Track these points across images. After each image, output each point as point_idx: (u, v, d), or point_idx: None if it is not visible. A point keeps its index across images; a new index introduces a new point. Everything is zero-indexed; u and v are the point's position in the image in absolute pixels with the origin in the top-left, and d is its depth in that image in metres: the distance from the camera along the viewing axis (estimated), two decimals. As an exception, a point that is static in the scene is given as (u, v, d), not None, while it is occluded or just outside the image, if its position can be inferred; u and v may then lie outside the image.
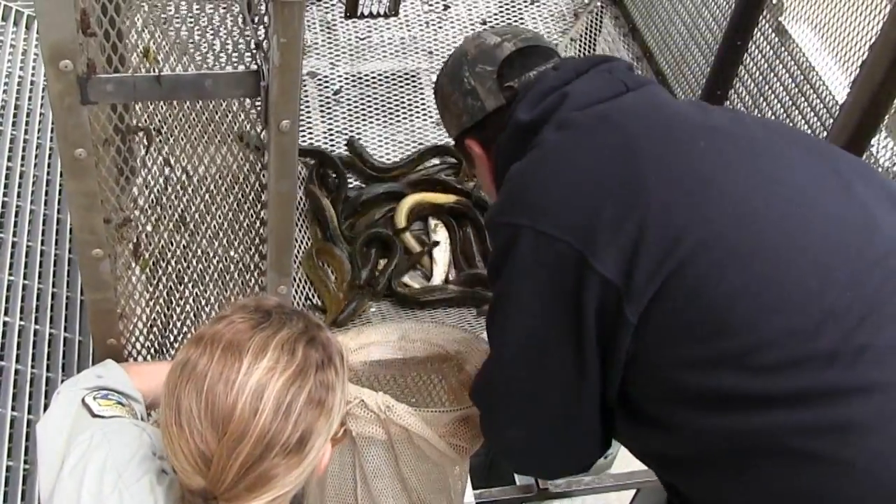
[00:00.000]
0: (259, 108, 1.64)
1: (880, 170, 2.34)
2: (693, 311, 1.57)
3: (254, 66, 1.57)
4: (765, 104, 2.82)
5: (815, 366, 1.52)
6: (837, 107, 2.48)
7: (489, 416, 1.97)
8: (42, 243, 2.65)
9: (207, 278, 1.99)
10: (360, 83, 3.38)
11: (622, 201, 1.62)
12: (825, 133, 2.52)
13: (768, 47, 2.80)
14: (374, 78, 3.41)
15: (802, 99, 2.66)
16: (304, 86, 3.32)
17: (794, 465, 1.54)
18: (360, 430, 2.05)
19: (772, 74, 2.78)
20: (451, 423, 2.08)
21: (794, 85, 2.69)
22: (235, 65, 1.58)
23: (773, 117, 2.76)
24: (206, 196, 1.84)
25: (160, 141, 1.76)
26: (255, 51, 1.56)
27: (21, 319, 2.44)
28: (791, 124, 2.67)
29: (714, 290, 1.55)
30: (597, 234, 1.60)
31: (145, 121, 1.75)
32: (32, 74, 3.09)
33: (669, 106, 1.82)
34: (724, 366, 1.56)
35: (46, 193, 2.79)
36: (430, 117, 3.30)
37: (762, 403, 1.54)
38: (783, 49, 2.74)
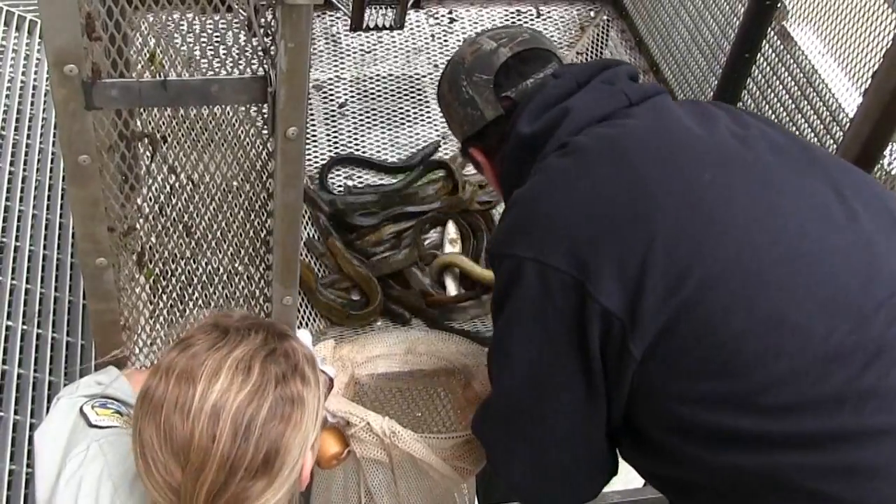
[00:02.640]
0: (265, 116, 1.62)
1: (888, 177, 2.33)
2: (698, 350, 1.57)
3: (261, 72, 1.55)
4: (772, 116, 2.80)
5: (822, 409, 1.52)
6: (845, 116, 2.47)
7: (495, 450, 1.95)
8: (44, 248, 2.66)
9: (212, 289, 1.97)
10: (366, 96, 3.36)
11: (626, 236, 1.62)
12: (833, 143, 2.51)
13: (777, 59, 2.79)
14: (379, 91, 3.39)
15: (810, 109, 2.64)
16: (309, 98, 3.30)
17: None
18: (364, 452, 2.04)
19: (780, 87, 2.77)
20: (455, 447, 2.07)
21: (801, 96, 2.67)
22: (242, 70, 1.55)
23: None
24: (212, 205, 1.81)
25: (165, 148, 1.74)
26: (262, 56, 1.54)
27: (24, 323, 2.45)
28: (798, 133, 2.66)
29: (719, 331, 1.55)
30: (600, 268, 1.60)
31: (150, 127, 1.73)
32: (35, 79, 3.09)
33: (674, 126, 1.79)
34: (730, 405, 1.56)
35: (48, 198, 2.80)
36: (436, 130, 3.28)
37: (769, 444, 1.54)
38: (791, 59, 2.72)
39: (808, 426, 1.52)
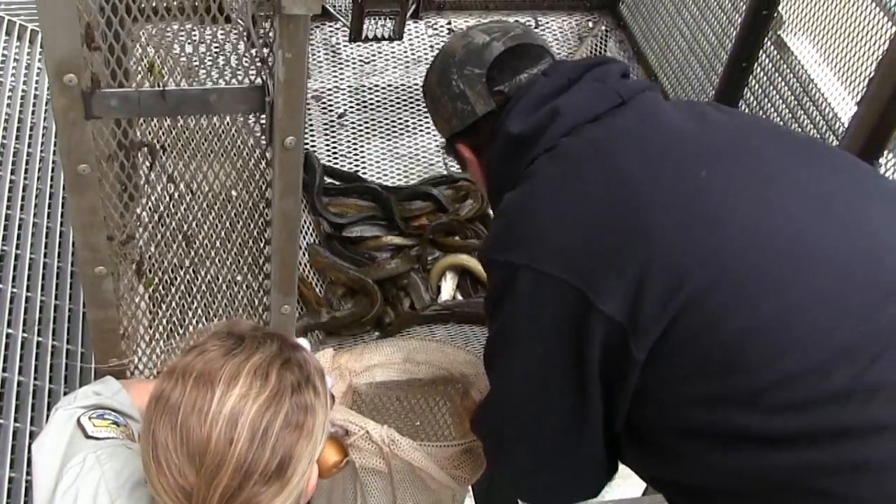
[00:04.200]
0: (264, 125, 1.63)
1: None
2: (702, 350, 1.54)
3: (259, 82, 1.56)
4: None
5: (828, 406, 1.48)
6: (840, 124, 2.48)
7: (492, 448, 1.95)
8: (45, 256, 2.66)
9: (211, 298, 1.97)
10: (365, 106, 3.38)
11: (623, 240, 1.58)
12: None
13: (773, 68, 2.80)
14: (378, 101, 3.40)
15: (806, 118, 2.66)
16: (308, 108, 3.31)
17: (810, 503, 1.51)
18: (362, 461, 2.04)
19: (777, 96, 2.78)
20: (453, 456, 2.07)
21: (797, 104, 2.69)
22: (240, 80, 1.56)
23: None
24: (210, 214, 1.82)
25: (164, 157, 1.75)
26: (260, 66, 1.55)
27: (24, 331, 2.45)
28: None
29: (723, 331, 1.52)
30: (599, 274, 1.57)
31: (150, 137, 1.74)
32: (36, 88, 3.11)
33: (665, 123, 1.74)
34: (734, 405, 1.53)
35: (49, 206, 2.81)
36: (435, 140, 3.30)
37: (774, 443, 1.51)
38: (787, 68, 2.74)
39: (816, 423, 1.48)
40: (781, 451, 1.51)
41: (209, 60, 1.56)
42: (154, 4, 1.52)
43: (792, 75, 2.71)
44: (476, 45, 1.94)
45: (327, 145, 3.25)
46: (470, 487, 2.30)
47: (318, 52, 3.53)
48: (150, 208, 1.85)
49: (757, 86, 2.88)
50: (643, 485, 3.54)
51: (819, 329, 1.51)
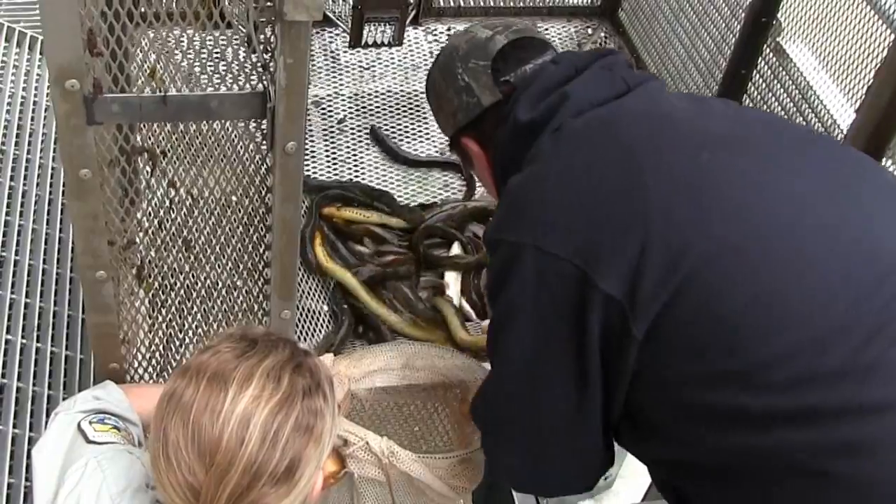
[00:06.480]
0: (264, 131, 1.64)
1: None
2: (699, 328, 1.55)
3: (260, 88, 1.57)
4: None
5: (823, 384, 1.49)
6: (839, 131, 2.49)
7: (490, 434, 1.94)
8: (44, 262, 2.67)
9: (211, 303, 1.98)
10: (364, 112, 3.38)
11: (624, 217, 1.59)
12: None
13: (772, 75, 2.81)
14: (377, 107, 3.40)
15: (805, 125, 2.66)
16: (308, 114, 3.31)
17: (810, 484, 1.52)
18: (361, 472, 2.05)
19: (776, 103, 2.79)
20: (452, 466, 2.07)
21: (796, 111, 2.69)
22: (242, 86, 1.57)
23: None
24: (211, 219, 1.83)
25: (165, 162, 1.75)
26: (261, 72, 1.56)
27: (23, 337, 2.45)
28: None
29: (720, 308, 1.53)
30: (600, 252, 1.58)
31: (151, 142, 1.74)
32: (35, 95, 3.11)
33: (670, 109, 1.78)
34: (732, 383, 1.54)
35: (48, 213, 2.81)
36: (435, 146, 3.30)
37: (773, 421, 1.51)
38: (786, 75, 2.74)
39: (811, 401, 1.49)
40: (779, 430, 1.51)
41: (210, 66, 1.57)
42: (156, 10, 1.52)
43: (791, 82, 2.72)
44: (479, 38, 1.97)
45: (327, 151, 3.25)
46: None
47: (318, 58, 3.53)
48: (150, 213, 1.85)
49: (756, 93, 2.88)
50: (644, 489, 3.56)
51: (816, 307, 1.52)
